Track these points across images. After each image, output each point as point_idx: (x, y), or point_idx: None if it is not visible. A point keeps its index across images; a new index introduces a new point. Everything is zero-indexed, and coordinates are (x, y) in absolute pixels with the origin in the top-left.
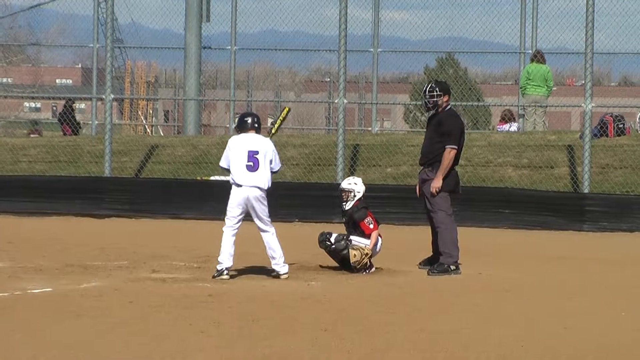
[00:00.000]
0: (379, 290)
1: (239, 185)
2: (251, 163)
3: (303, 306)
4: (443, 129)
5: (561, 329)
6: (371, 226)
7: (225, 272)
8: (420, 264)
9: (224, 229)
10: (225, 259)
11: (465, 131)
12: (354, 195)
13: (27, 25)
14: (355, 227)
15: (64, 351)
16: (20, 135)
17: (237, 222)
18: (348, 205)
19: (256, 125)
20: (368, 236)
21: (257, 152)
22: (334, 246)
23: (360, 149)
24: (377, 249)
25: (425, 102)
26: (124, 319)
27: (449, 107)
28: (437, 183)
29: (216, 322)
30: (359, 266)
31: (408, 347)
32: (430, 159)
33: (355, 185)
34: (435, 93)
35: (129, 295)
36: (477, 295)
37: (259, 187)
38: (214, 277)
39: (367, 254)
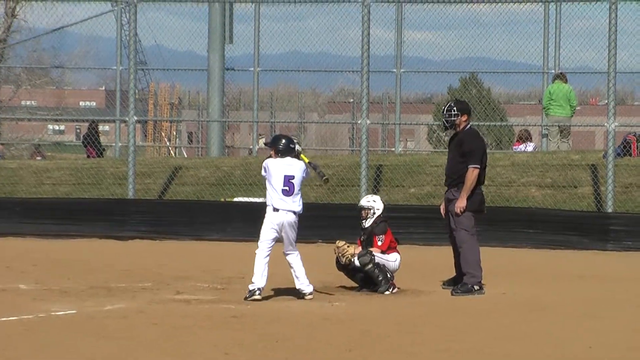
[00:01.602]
0: (402, 310)
1: (276, 210)
2: (287, 188)
3: (327, 326)
4: (464, 149)
5: (586, 348)
6: (379, 243)
7: (258, 292)
8: (444, 283)
9: (257, 252)
10: (258, 279)
11: (489, 151)
12: (374, 213)
13: (51, 47)
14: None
15: None
16: (47, 158)
17: (271, 246)
18: (367, 223)
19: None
20: (379, 249)
21: (292, 177)
22: (358, 261)
23: (383, 169)
24: (396, 267)
25: (443, 121)
26: (149, 340)
27: (469, 126)
28: (461, 203)
29: (240, 343)
30: (340, 254)
31: None
32: (454, 179)
33: (374, 203)
34: (453, 112)
35: (153, 316)
36: (501, 314)
37: (294, 212)
38: (246, 298)
39: (349, 247)
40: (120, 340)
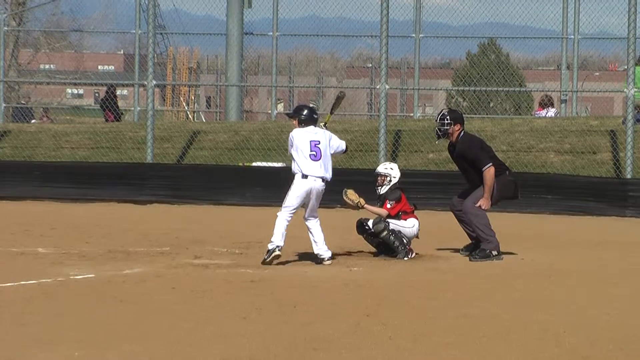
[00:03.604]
0: (420, 275)
1: (305, 176)
2: (314, 152)
3: (345, 292)
4: (469, 159)
5: (604, 315)
6: (389, 206)
7: (278, 249)
8: (462, 249)
9: (279, 214)
10: (278, 238)
11: (507, 116)
12: (390, 180)
13: (70, 11)
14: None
15: (110, 334)
16: (63, 122)
17: (293, 212)
18: (383, 190)
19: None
20: (408, 213)
21: (318, 142)
22: (372, 229)
23: (402, 134)
24: (413, 232)
25: (436, 129)
26: (166, 304)
27: (462, 134)
28: (486, 204)
29: (258, 308)
30: (349, 201)
31: (450, 332)
32: (479, 184)
33: (391, 170)
34: (446, 121)
35: (171, 281)
36: (519, 280)
37: (322, 179)
38: (265, 260)
39: (360, 199)
40: (138, 304)
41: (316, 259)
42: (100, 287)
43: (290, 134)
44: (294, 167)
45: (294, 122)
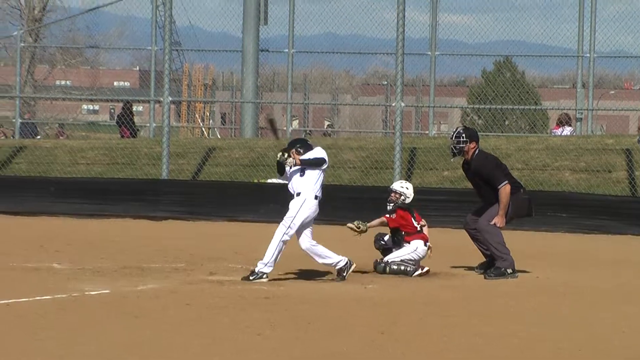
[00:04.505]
0: (435, 293)
1: (316, 197)
2: None
3: (359, 309)
4: (484, 176)
5: (619, 333)
6: (388, 216)
7: (266, 277)
8: (477, 267)
9: (283, 234)
10: (272, 264)
11: (522, 135)
12: (403, 200)
13: (86, 27)
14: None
15: (124, 349)
16: (78, 138)
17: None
18: (392, 208)
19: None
20: (414, 234)
21: None
22: (375, 270)
23: (417, 152)
24: (419, 254)
25: (451, 147)
26: (181, 320)
27: (477, 152)
28: (500, 222)
29: (273, 324)
30: (355, 233)
31: (464, 350)
32: (494, 202)
33: (406, 190)
34: (462, 139)
35: (186, 297)
36: (534, 298)
37: None
38: (247, 278)
39: (361, 229)
40: (153, 320)
41: (330, 275)
42: (115, 303)
43: (324, 153)
44: (308, 188)
45: (295, 156)
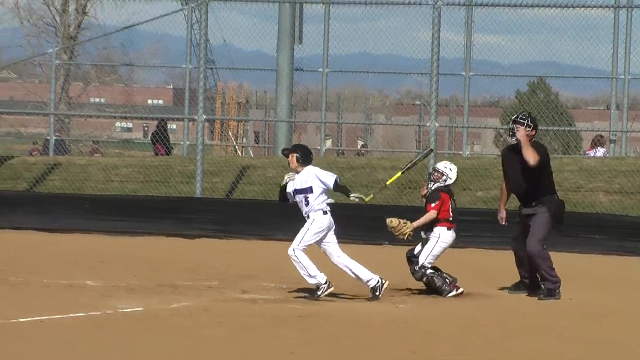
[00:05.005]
0: (467, 313)
1: (325, 213)
2: None
3: (391, 328)
4: (541, 161)
5: None
6: (432, 205)
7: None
8: (510, 289)
9: (297, 255)
10: (319, 273)
11: (555, 156)
12: (444, 180)
13: (120, 45)
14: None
15: None
16: (112, 155)
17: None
18: (434, 187)
19: None
20: (442, 221)
21: None
22: (413, 276)
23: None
24: (446, 241)
25: (512, 127)
26: (214, 338)
27: (533, 141)
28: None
29: (306, 343)
30: (396, 233)
31: None
32: (535, 197)
33: (449, 171)
34: (527, 122)
35: (219, 315)
36: (568, 320)
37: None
38: (318, 296)
39: (405, 224)
40: (186, 338)
41: (363, 294)
42: (148, 320)
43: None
44: (314, 207)
45: (296, 163)
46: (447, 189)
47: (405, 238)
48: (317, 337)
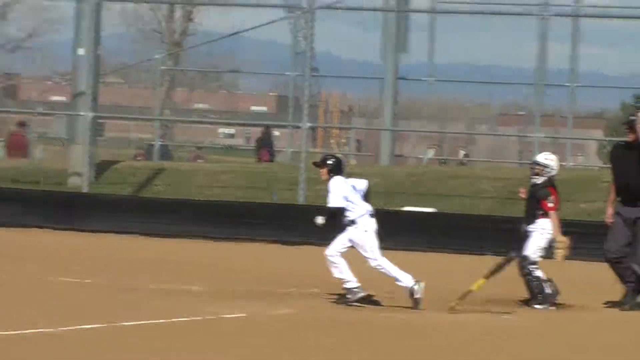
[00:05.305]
0: (565, 326)
1: (354, 223)
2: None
3: (493, 339)
4: None
5: None
6: (550, 205)
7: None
8: (621, 305)
9: (330, 261)
10: (350, 278)
11: None
12: (547, 172)
13: (225, 52)
14: (535, 206)
15: None
16: (214, 161)
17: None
18: (539, 180)
19: None
20: (545, 214)
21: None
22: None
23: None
24: (549, 235)
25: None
26: (318, 346)
27: None
28: None
29: (414, 353)
30: (560, 252)
31: None
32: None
33: (550, 162)
34: None
35: (324, 323)
36: None
37: None
38: (352, 302)
39: (563, 242)
40: (290, 346)
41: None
42: (251, 327)
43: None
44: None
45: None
46: (551, 182)
47: (560, 259)
48: (421, 347)
